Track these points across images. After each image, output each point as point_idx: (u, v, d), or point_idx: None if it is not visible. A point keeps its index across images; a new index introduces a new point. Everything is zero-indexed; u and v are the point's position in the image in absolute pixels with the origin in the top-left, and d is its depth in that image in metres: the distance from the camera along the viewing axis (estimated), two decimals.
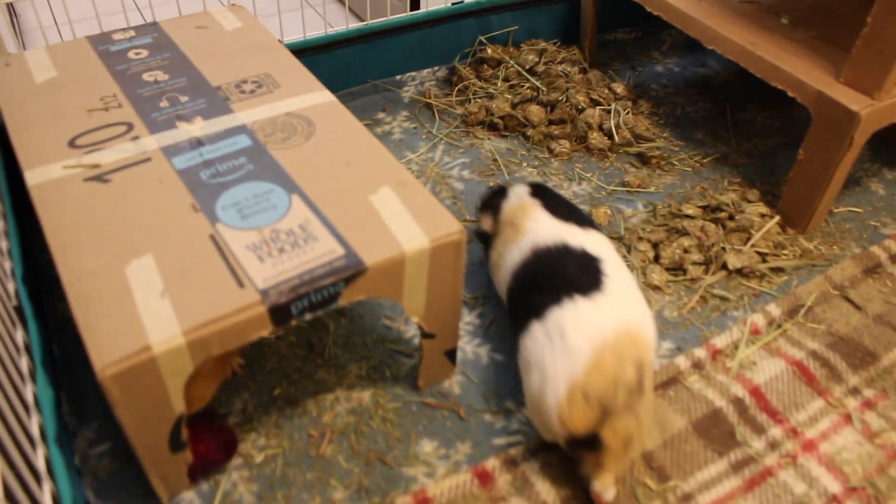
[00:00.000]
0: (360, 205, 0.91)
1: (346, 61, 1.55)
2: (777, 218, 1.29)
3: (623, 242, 1.25)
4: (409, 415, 1.01)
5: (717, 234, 1.24)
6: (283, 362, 1.07)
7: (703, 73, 1.76)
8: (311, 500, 0.91)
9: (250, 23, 1.32)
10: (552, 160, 1.43)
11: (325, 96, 1.11)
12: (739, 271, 1.20)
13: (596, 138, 1.44)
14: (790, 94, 1.23)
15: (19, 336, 0.86)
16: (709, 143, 1.51)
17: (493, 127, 1.49)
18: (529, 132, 1.47)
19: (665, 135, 1.52)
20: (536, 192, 1.09)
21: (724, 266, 1.20)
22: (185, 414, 0.85)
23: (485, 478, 0.93)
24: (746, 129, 1.56)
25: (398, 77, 1.65)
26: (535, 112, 1.47)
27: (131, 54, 1.20)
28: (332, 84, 1.50)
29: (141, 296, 0.80)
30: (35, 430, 0.77)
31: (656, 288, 1.18)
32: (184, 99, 1.09)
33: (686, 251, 1.21)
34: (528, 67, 1.58)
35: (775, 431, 1.00)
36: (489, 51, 1.62)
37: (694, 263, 1.20)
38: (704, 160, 1.46)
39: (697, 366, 1.07)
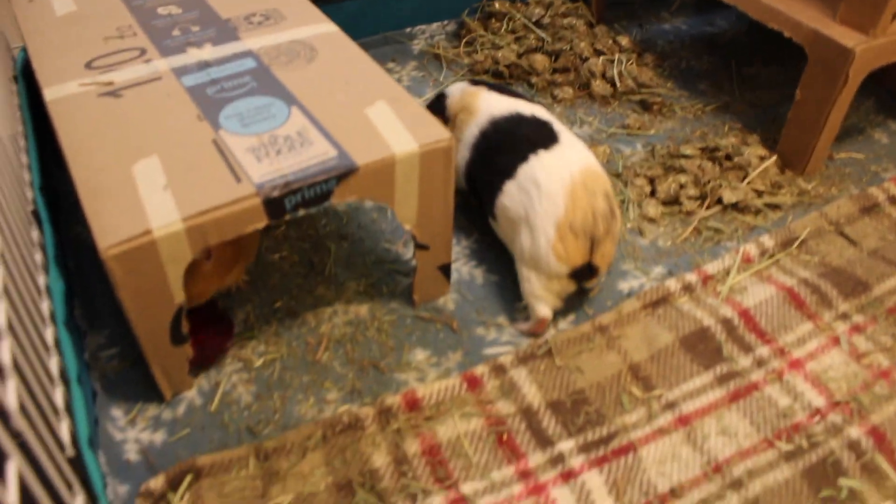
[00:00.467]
0: (355, 116, 0.95)
1: (357, 13, 1.60)
2: (774, 157, 1.30)
3: (620, 179, 1.27)
4: (404, 327, 1.04)
5: (714, 171, 1.26)
6: (285, 279, 1.11)
7: (710, 31, 1.78)
8: (305, 401, 0.95)
9: None
10: (555, 106, 1.47)
11: (329, 27, 1.15)
12: (735, 206, 1.22)
13: (599, 85, 1.47)
14: (786, 34, 1.25)
15: (34, 233, 0.92)
16: (711, 94, 1.53)
17: (498, 75, 1.53)
18: (534, 80, 1.50)
19: (668, 85, 1.55)
20: (476, 83, 1.20)
21: (720, 201, 1.22)
22: (185, 307, 0.89)
23: (473, 382, 0.97)
24: (751, 83, 1.58)
25: (408, 30, 1.69)
26: (540, 61, 1.51)
27: None
28: None
29: (145, 189, 0.85)
30: (45, 312, 0.82)
31: (651, 220, 1.21)
32: (195, 29, 1.14)
33: (682, 186, 1.23)
34: (534, 20, 1.62)
35: (762, 350, 1.02)
36: (497, 5, 1.66)
37: (689, 198, 1.22)
38: (706, 108, 1.48)
39: (688, 289, 1.09)
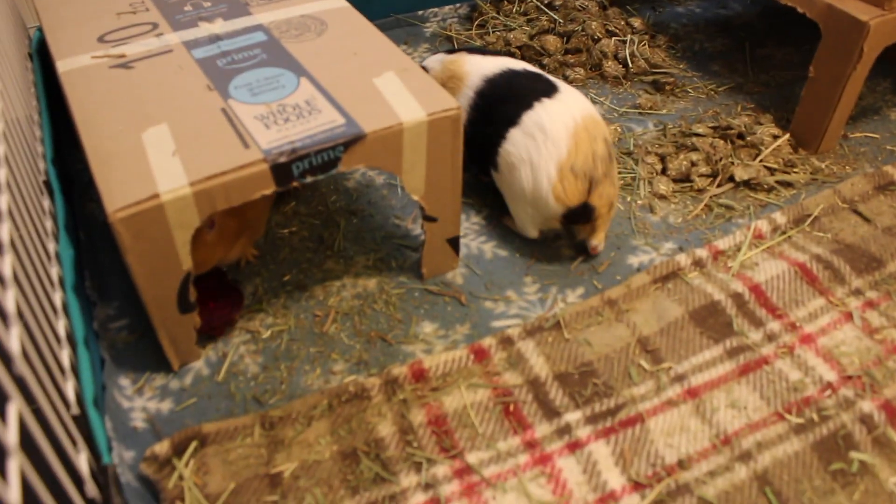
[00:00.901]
0: (364, 85, 0.95)
1: None
2: (787, 135, 1.29)
3: (631, 157, 1.27)
4: (412, 300, 1.04)
5: (727, 149, 1.25)
6: (295, 253, 1.11)
7: (724, 13, 1.76)
8: (311, 371, 0.95)
9: None
10: None
11: (339, 2, 1.15)
12: (747, 183, 1.21)
13: (611, 66, 1.46)
14: (800, 10, 1.24)
15: (46, 203, 0.93)
16: (725, 75, 1.52)
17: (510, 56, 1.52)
18: (545, 61, 1.49)
19: (681, 66, 1.53)
20: (453, 51, 1.24)
21: (732, 179, 1.21)
22: (192, 274, 0.90)
23: (481, 354, 0.96)
24: (764, 63, 1.56)
25: (420, 13, 1.69)
26: (552, 42, 1.50)
27: None
28: None
29: (154, 155, 0.85)
30: (55, 276, 0.83)
31: (662, 197, 1.20)
32: (206, 4, 1.14)
33: (693, 164, 1.22)
34: (546, 2, 1.61)
35: (773, 325, 1.01)
36: None
37: (701, 175, 1.21)
38: (719, 88, 1.47)
39: (698, 264, 1.08)
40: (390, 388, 0.92)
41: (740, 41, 1.65)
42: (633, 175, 1.23)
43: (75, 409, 0.71)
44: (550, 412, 0.90)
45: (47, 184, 0.98)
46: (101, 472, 0.71)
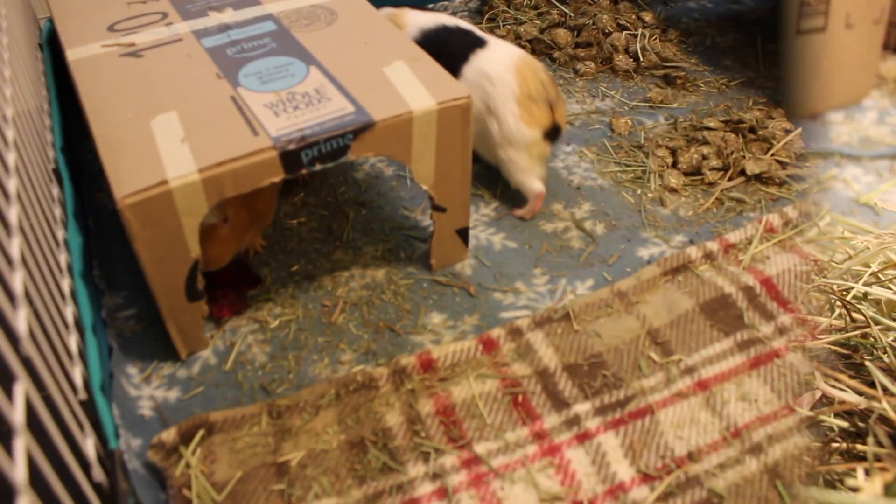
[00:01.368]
0: (374, 74, 0.95)
1: None
2: (799, 130, 1.28)
3: (642, 150, 1.26)
4: (421, 290, 1.04)
5: (738, 143, 1.24)
6: (303, 244, 1.11)
7: (736, 9, 1.75)
8: (319, 361, 0.95)
9: None
10: (577, 80, 1.45)
11: None
12: (758, 177, 1.20)
13: (621, 60, 1.45)
14: None
15: (55, 190, 0.92)
16: (736, 69, 1.51)
17: None
18: (556, 54, 1.49)
19: (692, 60, 1.52)
20: (398, 5, 1.30)
21: (743, 172, 1.20)
22: (202, 266, 0.89)
23: (490, 345, 0.96)
24: (776, 58, 1.55)
25: (431, 6, 1.68)
26: (562, 35, 1.49)
27: None
28: None
29: (163, 142, 0.85)
30: (63, 262, 0.83)
31: (672, 190, 1.19)
32: None
33: (704, 157, 1.21)
34: None
35: (785, 319, 1.00)
36: None
37: (712, 169, 1.20)
38: (731, 83, 1.46)
39: (709, 257, 1.08)
40: (398, 377, 0.92)
41: (752, 36, 1.63)
42: (643, 168, 1.22)
43: (82, 394, 0.71)
44: (559, 403, 0.89)
45: (56, 172, 0.98)
46: (108, 457, 0.70)
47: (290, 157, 0.84)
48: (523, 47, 1.51)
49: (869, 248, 0.79)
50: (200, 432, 0.85)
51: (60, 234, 0.87)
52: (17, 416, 0.48)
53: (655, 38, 1.51)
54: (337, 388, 0.91)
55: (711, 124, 1.28)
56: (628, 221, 1.14)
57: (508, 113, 1.09)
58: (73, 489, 0.56)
